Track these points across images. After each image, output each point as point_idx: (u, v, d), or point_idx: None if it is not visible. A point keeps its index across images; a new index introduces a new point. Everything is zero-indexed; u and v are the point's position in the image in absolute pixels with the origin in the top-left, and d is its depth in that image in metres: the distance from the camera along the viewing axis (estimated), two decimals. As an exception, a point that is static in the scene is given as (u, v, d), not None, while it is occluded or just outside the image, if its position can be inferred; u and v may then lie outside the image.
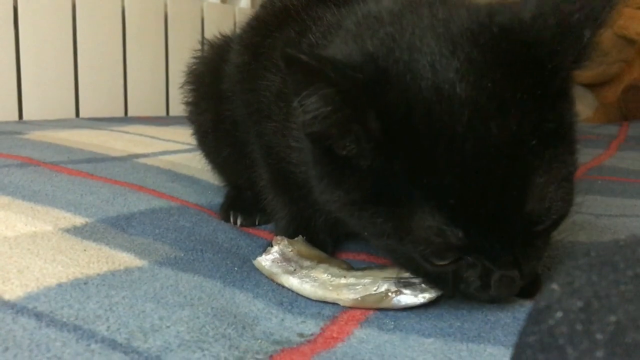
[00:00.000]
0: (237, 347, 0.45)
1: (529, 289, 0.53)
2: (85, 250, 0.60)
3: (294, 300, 0.56)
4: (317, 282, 0.56)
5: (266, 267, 0.60)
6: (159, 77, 1.97)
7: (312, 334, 0.49)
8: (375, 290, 0.54)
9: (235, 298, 0.54)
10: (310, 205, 0.64)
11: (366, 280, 0.55)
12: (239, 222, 0.78)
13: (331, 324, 0.51)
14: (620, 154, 1.52)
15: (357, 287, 0.55)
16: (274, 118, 0.64)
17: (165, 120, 1.79)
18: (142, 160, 1.07)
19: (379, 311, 0.54)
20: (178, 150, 1.20)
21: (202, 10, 2.09)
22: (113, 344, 0.42)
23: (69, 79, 1.71)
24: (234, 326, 0.48)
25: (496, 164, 0.43)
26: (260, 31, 0.70)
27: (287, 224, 0.70)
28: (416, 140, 0.44)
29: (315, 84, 0.43)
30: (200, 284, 0.56)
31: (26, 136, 1.19)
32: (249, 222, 0.79)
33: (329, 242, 0.68)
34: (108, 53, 1.81)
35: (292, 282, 0.57)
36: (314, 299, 0.56)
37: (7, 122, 1.48)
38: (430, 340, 0.48)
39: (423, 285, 0.53)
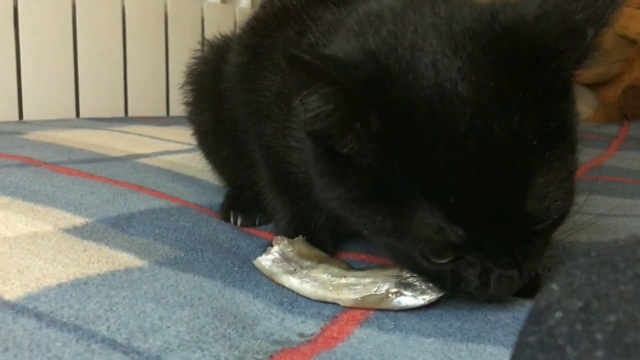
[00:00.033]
0: (237, 347, 0.45)
1: (529, 289, 0.53)
2: (85, 250, 0.60)
3: (294, 300, 0.56)
4: (317, 282, 0.56)
5: (266, 267, 0.60)
6: (159, 77, 1.97)
7: (312, 334, 0.49)
8: (375, 291, 0.54)
9: (236, 298, 0.54)
10: (310, 205, 0.64)
11: (366, 281, 0.55)
12: (239, 222, 0.78)
13: (331, 324, 0.51)
14: (620, 154, 1.52)
15: (358, 287, 0.55)
16: (274, 118, 0.64)
17: (166, 120, 1.79)
18: (142, 160, 1.07)
19: (379, 311, 0.54)
20: (178, 150, 1.20)
21: (202, 10, 2.10)
22: (113, 344, 0.42)
23: (69, 79, 1.71)
24: (234, 326, 0.48)
25: (497, 163, 0.44)
26: (260, 31, 0.70)
27: (287, 224, 0.70)
28: (418, 138, 0.44)
29: (317, 83, 0.43)
30: (201, 284, 0.56)
31: (26, 136, 1.19)
32: (249, 222, 0.79)
33: (329, 242, 0.68)
34: (108, 53, 1.81)
35: (292, 282, 0.57)
36: (314, 299, 0.56)
37: (7, 122, 1.48)
38: (430, 340, 0.48)
39: (423, 286, 0.53)
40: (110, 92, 1.83)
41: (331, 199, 0.52)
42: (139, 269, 0.57)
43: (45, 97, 1.65)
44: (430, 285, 0.53)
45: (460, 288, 0.50)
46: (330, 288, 0.55)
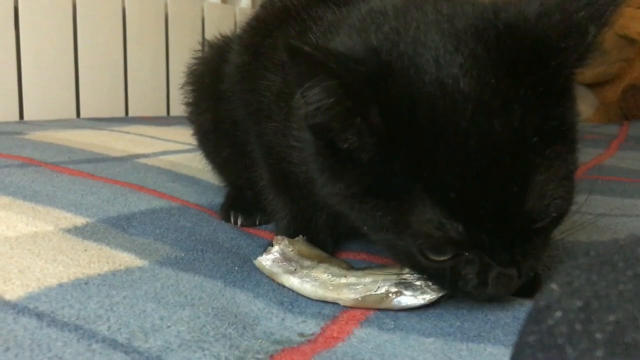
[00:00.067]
0: (237, 347, 0.45)
1: (528, 289, 0.53)
2: (86, 250, 0.60)
3: (294, 300, 0.56)
4: (317, 281, 0.56)
5: (267, 266, 0.60)
6: (160, 77, 1.97)
7: (312, 334, 0.49)
8: (375, 291, 0.54)
9: (236, 298, 0.54)
10: (310, 205, 0.64)
11: (367, 280, 0.55)
12: (239, 222, 0.78)
13: (331, 323, 0.51)
14: (620, 154, 1.52)
15: (358, 287, 0.55)
16: (274, 118, 0.64)
17: (166, 120, 1.79)
18: (142, 160, 1.07)
19: (379, 311, 0.54)
20: (178, 150, 1.20)
21: (202, 11, 2.10)
22: (114, 344, 0.42)
23: (69, 79, 1.71)
24: (234, 326, 0.48)
25: (498, 160, 0.44)
26: (260, 31, 0.70)
27: (287, 224, 0.70)
28: (419, 134, 0.45)
29: (318, 75, 0.43)
30: (201, 283, 0.56)
31: (27, 136, 1.19)
32: (249, 222, 0.79)
33: (329, 242, 0.68)
34: (109, 53, 1.81)
35: (293, 281, 0.57)
36: (315, 298, 0.56)
37: (7, 123, 1.48)
38: (431, 339, 0.49)
39: (424, 286, 0.53)
40: (111, 92, 1.83)
41: (331, 194, 0.52)
42: (140, 268, 0.57)
43: (46, 97, 1.65)
44: (431, 284, 0.53)
45: (459, 286, 0.50)
46: (331, 288, 0.55)
